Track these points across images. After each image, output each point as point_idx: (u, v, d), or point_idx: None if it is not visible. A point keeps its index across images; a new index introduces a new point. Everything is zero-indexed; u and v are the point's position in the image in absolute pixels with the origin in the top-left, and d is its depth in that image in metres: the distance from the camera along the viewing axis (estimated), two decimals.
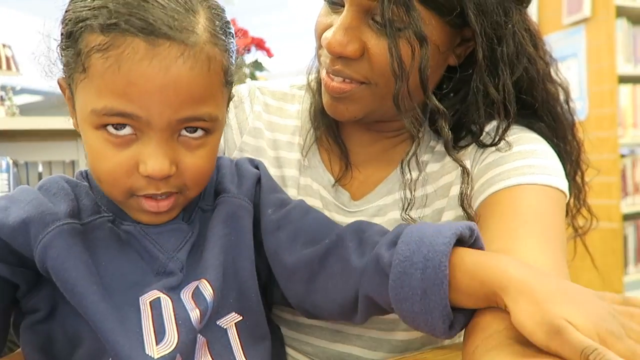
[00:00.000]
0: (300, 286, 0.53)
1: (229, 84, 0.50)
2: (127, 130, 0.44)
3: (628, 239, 2.29)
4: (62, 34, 0.46)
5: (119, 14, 0.41)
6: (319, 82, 0.66)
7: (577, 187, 0.64)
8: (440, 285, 0.41)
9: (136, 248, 0.50)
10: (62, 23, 0.46)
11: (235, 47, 0.50)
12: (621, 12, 2.21)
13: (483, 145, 0.60)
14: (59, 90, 0.51)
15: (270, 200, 0.57)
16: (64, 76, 0.48)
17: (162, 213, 0.48)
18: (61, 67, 0.48)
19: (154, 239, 0.50)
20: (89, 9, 0.43)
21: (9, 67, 2.03)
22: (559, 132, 0.64)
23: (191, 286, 0.50)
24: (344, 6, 0.55)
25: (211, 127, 0.48)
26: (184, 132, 0.46)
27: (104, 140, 0.44)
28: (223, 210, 0.54)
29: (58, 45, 0.47)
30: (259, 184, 0.58)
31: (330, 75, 0.59)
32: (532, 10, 2.50)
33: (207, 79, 0.45)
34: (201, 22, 0.44)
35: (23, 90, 2.20)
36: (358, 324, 0.56)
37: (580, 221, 0.69)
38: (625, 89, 2.25)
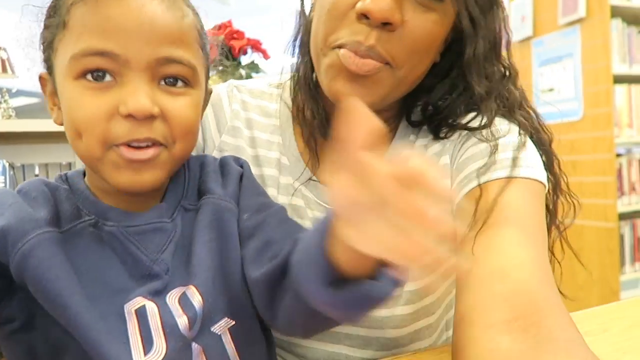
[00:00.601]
0: (261, 303, 0.51)
1: (204, 48, 0.51)
2: (106, 79, 0.44)
3: (624, 238, 2.30)
4: (46, 15, 0.48)
5: None
6: (306, 74, 0.65)
7: (555, 178, 0.63)
8: (321, 231, 0.38)
9: (119, 252, 0.48)
10: (48, 7, 0.48)
11: (204, 29, 0.52)
12: (616, 12, 2.22)
13: (470, 129, 0.61)
14: None
15: (247, 204, 0.55)
16: (45, 66, 0.49)
17: (143, 165, 0.45)
18: (42, 55, 0.49)
19: (137, 240, 0.49)
20: None
21: (4, 70, 2.02)
22: (531, 122, 0.64)
23: (177, 291, 0.48)
24: None
25: (190, 77, 0.48)
26: (163, 84, 0.46)
27: (83, 88, 0.44)
28: (208, 212, 0.52)
29: (42, 29, 0.48)
30: (240, 182, 0.56)
31: (354, 52, 0.55)
32: (528, 11, 2.51)
33: (182, 24, 0.47)
34: None
35: (19, 93, 2.19)
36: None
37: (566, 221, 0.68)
38: (621, 89, 2.26)
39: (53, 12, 0.47)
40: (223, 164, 0.58)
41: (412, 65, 0.57)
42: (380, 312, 0.63)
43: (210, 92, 0.57)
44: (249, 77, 2.00)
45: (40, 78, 0.51)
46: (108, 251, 0.48)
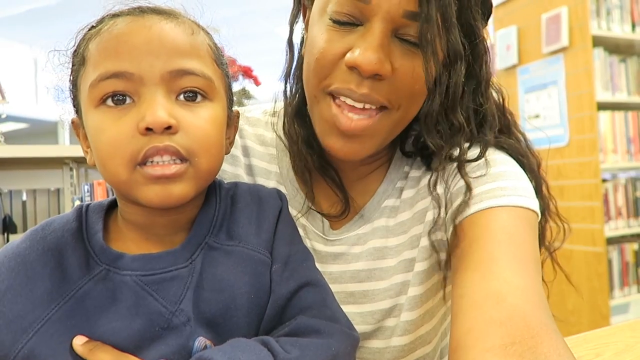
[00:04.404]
0: None
1: (220, 65, 0.50)
2: (127, 102, 0.45)
3: (613, 263, 2.31)
4: (71, 58, 0.50)
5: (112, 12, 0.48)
6: (299, 108, 0.64)
7: (544, 201, 0.63)
8: None
9: (134, 305, 0.44)
10: (74, 51, 0.50)
11: (220, 49, 0.52)
12: (598, 41, 2.29)
13: (460, 162, 0.60)
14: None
15: (279, 254, 0.52)
16: (75, 110, 0.50)
17: (170, 180, 0.44)
18: (72, 100, 0.50)
19: (154, 290, 0.45)
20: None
21: None
22: (521, 147, 0.65)
23: (204, 341, 0.45)
24: (361, 24, 0.54)
25: (207, 88, 0.47)
26: (182, 98, 0.46)
27: (104, 114, 0.45)
28: (242, 264, 0.49)
29: (69, 74, 0.49)
30: (276, 224, 0.53)
31: (346, 112, 0.55)
32: (513, 40, 2.57)
33: (192, 39, 0.48)
34: (184, 15, 0.50)
35: (8, 118, 2.19)
36: None
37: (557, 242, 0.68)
38: (605, 116, 2.31)
39: (75, 53, 0.49)
40: (261, 199, 0.55)
41: (409, 105, 0.57)
42: (377, 344, 0.63)
43: (238, 115, 0.56)
44: (240, 103, 2.02)
45: (73, 124, 0.51)
46: (122, 307, 0.44)
